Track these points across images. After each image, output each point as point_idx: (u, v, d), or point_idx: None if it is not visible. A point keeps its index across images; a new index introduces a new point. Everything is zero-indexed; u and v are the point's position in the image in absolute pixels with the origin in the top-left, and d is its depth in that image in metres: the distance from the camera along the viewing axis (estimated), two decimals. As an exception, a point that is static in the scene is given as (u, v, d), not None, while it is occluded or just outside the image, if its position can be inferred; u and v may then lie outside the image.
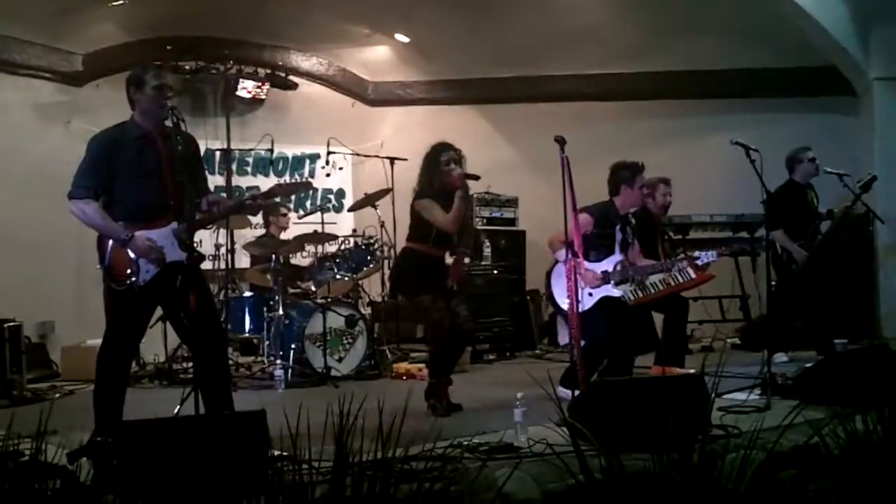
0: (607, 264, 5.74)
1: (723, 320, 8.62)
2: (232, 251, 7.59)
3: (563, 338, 5.58)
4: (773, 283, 6.43)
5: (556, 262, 5.82)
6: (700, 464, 2.77)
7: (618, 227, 5.83)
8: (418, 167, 5.42)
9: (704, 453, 2.83)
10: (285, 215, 8.07)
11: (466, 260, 5.90)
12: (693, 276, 5.91)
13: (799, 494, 2.79)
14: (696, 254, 5.92)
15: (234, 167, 9.14)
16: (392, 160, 8.33)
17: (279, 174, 9.52)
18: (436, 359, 5.35)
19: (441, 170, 5.27)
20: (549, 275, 6.01)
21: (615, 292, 5.67)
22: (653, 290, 5.90)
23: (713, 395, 3.79)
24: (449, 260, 5.56)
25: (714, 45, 9.25)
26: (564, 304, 5.67)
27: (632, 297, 5.86)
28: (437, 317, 5.24)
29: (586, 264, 5.56)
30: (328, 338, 6.86)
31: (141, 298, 4.18)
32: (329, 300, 7.07)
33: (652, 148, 9.54)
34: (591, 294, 5.63)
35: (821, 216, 7.14)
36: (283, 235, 7.97)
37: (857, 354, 5.52)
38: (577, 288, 4.95)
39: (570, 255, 4.92)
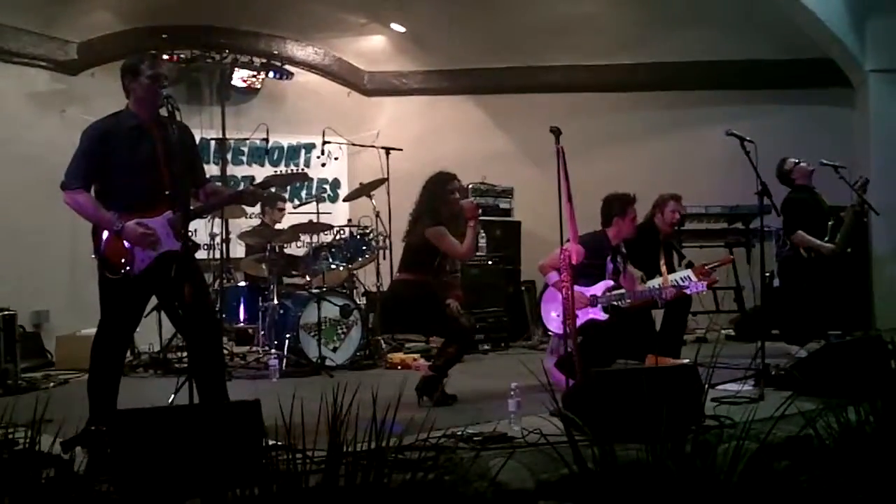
0: (596, 289, 5.76)
1: (717, 311, 8.66)
2: (227, 240, 7.58)
3: (549, 362, 5.59)
4: (766, 274, 6.40)
5: (547, 286, 5.83)
6: (693, 454, 2.78)
7: (608, 258, 5.85)
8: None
9: (697, 444, 2.84)
10: (282, 209, 8.07)
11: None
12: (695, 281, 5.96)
13: (792, 485, 2.80)
14: (685, 283, 5.95)
15: (229, 157, 9.14)
16: (387, 150, 8.33)
17: (274, 164, 9.52)
18: (455, 358, 5.33)
19: (449, 199, 5.29)
20: (539, 299, 6.02)
21: (601, 316, 5.69)
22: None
23: (707, 385, 3.81)
24: None
25: (710, 36, 9.25)
26: (554, 325, 5.72)
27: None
28: (463, 322, 5.36)
29: (575, 287, 5.54)
30: (323, 327, 6.86)
31: (135, 288, 4.17)
32: (324, 290, 7.06)
33: (647, 139, 9.61)
34: (576, 316, 5.61)
35: (837, 223, 6.99)
36: (279, 226, 7.96)
37: (850, 346, 5.54)
38: (572, 278, 4.95)
39: (563, 248, 4.92)
